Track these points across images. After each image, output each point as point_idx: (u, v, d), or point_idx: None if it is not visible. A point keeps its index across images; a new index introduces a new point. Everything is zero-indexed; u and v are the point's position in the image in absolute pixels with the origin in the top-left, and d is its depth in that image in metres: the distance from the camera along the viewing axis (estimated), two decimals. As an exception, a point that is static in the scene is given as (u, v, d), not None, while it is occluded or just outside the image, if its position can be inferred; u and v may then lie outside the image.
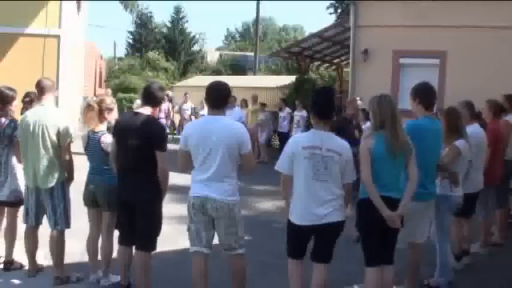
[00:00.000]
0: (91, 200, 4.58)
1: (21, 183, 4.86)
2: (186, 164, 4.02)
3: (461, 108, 5.14)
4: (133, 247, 4.30)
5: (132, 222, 4.19)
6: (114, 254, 4.58)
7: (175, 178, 4.50)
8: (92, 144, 4.52)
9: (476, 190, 5.33)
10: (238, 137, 3.85)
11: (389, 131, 3.81)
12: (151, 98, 4.30)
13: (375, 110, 3.90)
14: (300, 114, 13.42)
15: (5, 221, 4.99)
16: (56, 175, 4.53)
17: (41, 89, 4.61)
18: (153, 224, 4.21)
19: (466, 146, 4.68)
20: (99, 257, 4.65)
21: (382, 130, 3.84)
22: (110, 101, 4.66)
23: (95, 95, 18.65)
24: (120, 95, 26.46)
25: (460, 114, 4.87)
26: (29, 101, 7.21)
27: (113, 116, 4.67)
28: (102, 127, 4.58)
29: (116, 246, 4.55)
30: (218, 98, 3.97)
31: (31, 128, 4.47)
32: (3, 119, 4.82)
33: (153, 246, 4.23)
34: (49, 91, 4.63)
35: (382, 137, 3.83)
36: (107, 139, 4.44)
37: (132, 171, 4.14)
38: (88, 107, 4.57)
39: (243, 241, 3.98)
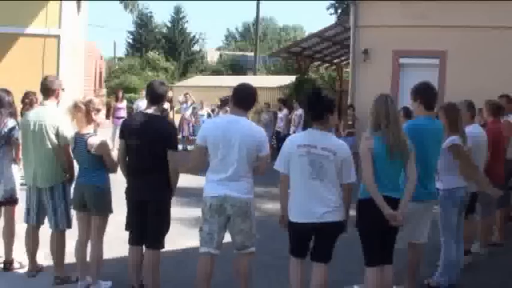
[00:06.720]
0: (80, 203, 4.42)
1: (17, 182, 4.87)
2: (200, 159, 4.03)
3: (461, 107, 5.11)
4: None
5: (143, 222, 4.20)
6: (112, 255, 4.56)
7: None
8: (78, 147, 4.35)
9: (476, 189, 5.32)
10: (258, 139, 3.93)
11: (391, 131, 3.81)
12: (154, 96, 4.28)
13: (379, 110, 3.90)
14: (298, 113, 13.42)
15: (2, 221, 4.97)
16: (56, 175, 4.52)
17: (47, 90, 4.59)
18: (164, 223, 4.26)
19: (457, 140, 4.65)
20: (88, 263, 4.44)
21: (382, 130, 3.84)
22: (97, 101, 4.47)
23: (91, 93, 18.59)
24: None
25: (459, 111, 4.85)
26: (29, 102, 7.19)
27: (100, 117, 4.48)
28: (89, 128, 4.38)
29: (115, 247, 4.55)
30: (244, 99, 4.02)
31: (31, 128, 4.47)
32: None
33: (162, 244, 4.27)
34: (54, 93, 4.61)
35: (383, 137, 3.83)
36: (95, 141, 4.28)
37: (146, 171, 4.14)
38: (75, 107, 4.34)
39: (255, 239, 4.04)
